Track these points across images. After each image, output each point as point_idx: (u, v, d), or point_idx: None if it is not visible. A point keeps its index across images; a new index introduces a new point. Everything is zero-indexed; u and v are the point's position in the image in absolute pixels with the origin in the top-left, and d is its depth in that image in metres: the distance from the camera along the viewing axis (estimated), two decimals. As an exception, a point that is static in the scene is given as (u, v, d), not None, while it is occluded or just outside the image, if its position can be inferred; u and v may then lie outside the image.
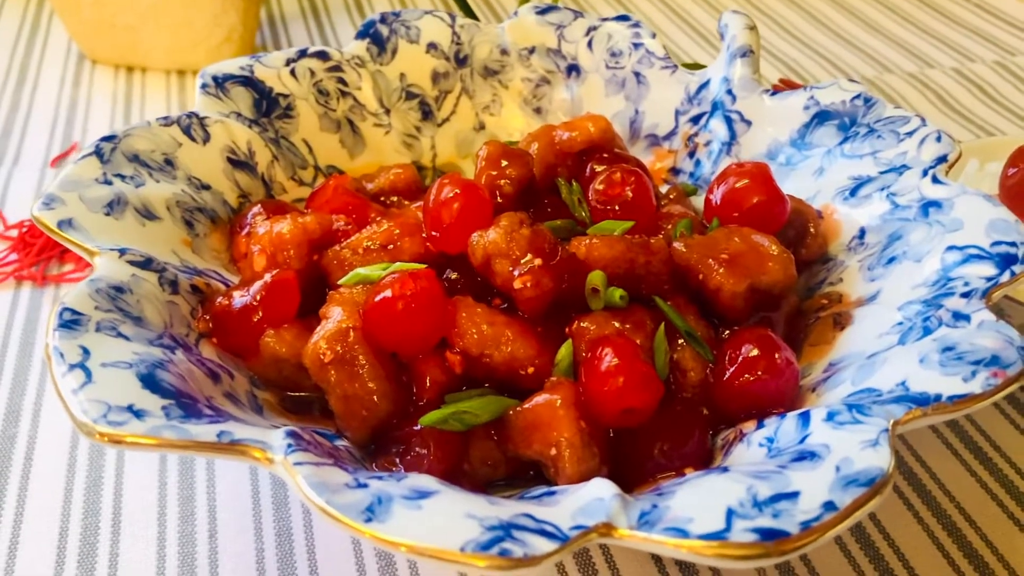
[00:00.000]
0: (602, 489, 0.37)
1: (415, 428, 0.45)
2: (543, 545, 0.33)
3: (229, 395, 0.46)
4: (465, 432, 0.46)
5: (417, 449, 0.45)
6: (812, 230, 0.57)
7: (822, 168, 0.60)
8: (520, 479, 0.48)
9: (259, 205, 0.58)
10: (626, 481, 0.44)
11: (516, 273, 0.48)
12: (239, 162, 0.61)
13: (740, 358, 0.47)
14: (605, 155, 0.61)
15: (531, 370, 0.48)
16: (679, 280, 0.51)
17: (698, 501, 0.35)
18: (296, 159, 0.65)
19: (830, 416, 0.40)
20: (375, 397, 0.46)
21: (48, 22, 1.12)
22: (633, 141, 0.70)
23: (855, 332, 0.50)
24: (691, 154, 0.67)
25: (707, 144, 0.67)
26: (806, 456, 0.38)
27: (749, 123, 0.64)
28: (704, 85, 0.67)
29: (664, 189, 0.66)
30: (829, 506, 0.34)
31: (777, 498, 0.35)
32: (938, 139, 0.56)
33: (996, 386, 0.39)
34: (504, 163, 0.56)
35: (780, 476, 0.36)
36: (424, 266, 0.49)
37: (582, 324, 0.48)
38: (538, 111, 0.73)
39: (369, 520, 0.34)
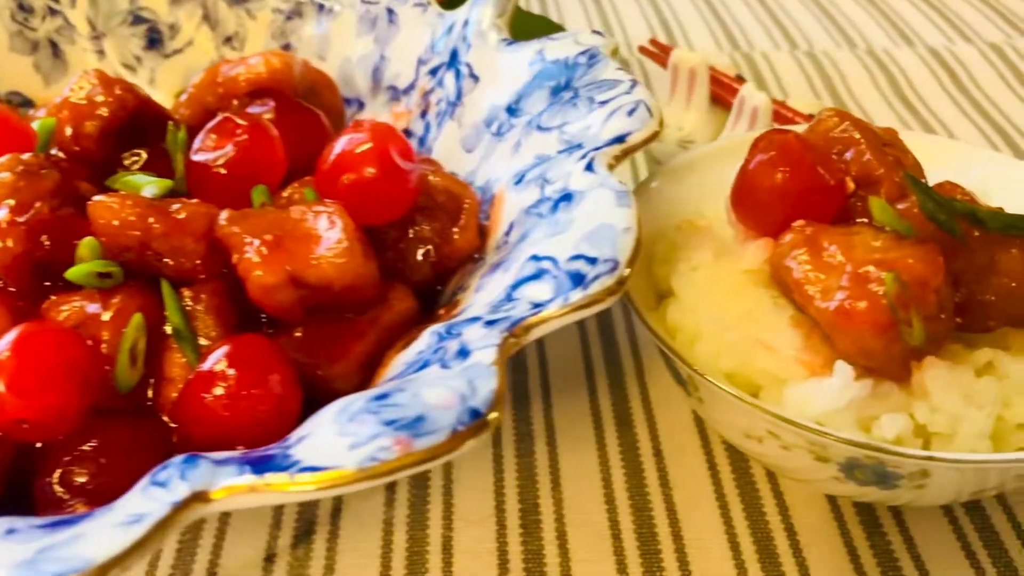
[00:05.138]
0: None
1: None
2: None
3: None
4: None
5: None
6: (462, 222, 0.44)
7: (519, 142, 0.47)
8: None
9: None
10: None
11: (-13, 228, 0.38)
12: None
13: (201, 370, 0.35)
14: (274, 102, 0.50)
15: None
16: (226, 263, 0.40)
17: None
18: (-34, 79, 0.57)
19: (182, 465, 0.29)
20: None
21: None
22: (375, 93, 0.58)
23: (405, 353, 0.37)
24: (423, 114, 0.55)
25: (438, 103, 0.54)
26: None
27: (476, 79, 0.51)
28: (449, 29, 0.55)
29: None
30: None
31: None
32: (630, 112, 0.42)
33: (378, 463, 0.27)
34: (100, 98, 0.46)
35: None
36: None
37: (55, 301, 0.38)
38: (287, 47, 0.61)
39: None
